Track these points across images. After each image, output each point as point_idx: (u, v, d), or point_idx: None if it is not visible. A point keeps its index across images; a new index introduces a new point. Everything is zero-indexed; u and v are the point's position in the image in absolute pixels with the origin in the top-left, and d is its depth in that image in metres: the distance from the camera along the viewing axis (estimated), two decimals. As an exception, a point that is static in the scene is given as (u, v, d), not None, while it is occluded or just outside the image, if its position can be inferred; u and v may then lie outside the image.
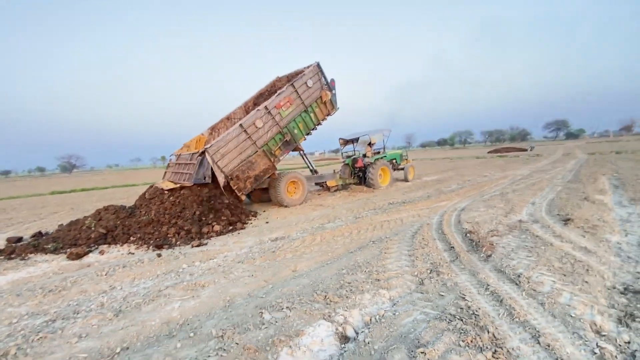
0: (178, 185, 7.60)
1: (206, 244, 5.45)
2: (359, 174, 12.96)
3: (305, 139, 10.06)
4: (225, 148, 7.73)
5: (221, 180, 7.59)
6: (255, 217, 7.57)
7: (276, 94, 8.91)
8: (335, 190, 11.59)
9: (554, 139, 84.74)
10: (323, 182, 11.42)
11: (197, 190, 7.33)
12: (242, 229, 6.44)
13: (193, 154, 8.07)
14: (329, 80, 10.26)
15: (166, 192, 7.30)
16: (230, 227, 6.41)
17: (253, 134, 8.27)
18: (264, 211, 8.63)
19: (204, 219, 6.33)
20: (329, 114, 10.42)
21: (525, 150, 35.95)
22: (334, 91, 10.48)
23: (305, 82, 9.56)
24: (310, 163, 11.68)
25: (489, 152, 38.11)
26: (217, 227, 6.12)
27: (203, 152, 7.68)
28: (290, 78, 10.07)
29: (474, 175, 13.97)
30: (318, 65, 9.91)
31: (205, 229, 5.97)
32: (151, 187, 7.66)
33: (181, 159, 8.54)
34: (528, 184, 9.88)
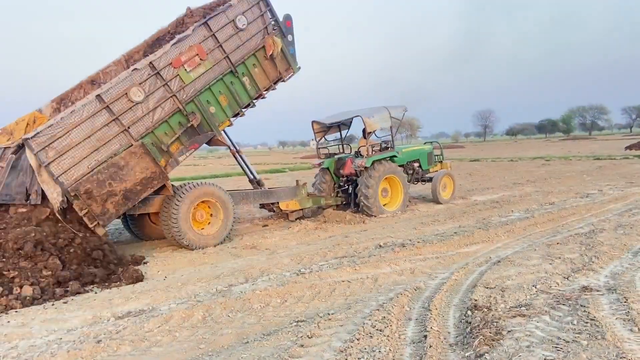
0: None
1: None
2: (345, 188, 12.78)
3: (231, 124, 9.90)
4: (65, 139, 7.49)
5: (55, 199, 7.35)
6: (128, 267, 7.33)
7: (173, 41, 8.77)
8: (298, 218, 11.41)
9: None
10: (274, 204, 11.22)
11: (14, 213, 7.17)
12: (79, 292, 6.21)
13: (5, 148, 7.91)
14: (279, 19, 10.14)
15: None
16: (61, 289, 6.19)
17: (123, 114, 8.06)
18: (152, 256, 8.44)
19: (5, 273, 6.11)
20: (280, 78, 10.32)
21: None
22: (290, 37, 10.38)
23: (233, 21, 9.43)
24: (249, 168, 11.51)
25: (627, 149, 38.02)
26: (27, 290, 5.90)
27: (21, 146, 7.49)
28: (208, 12, 9.95)
29: (568, 193, 13.92)
30: (260, -10, 9.81)
31: (-1, 294, 5.73)
32: None
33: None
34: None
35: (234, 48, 9.49)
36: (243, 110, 9.87)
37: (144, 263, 7.75)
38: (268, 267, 7.07)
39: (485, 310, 4.82)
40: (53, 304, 5.82)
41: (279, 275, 6.55)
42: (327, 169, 12.94)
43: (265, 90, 10.13)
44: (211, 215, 9.40)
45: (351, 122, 13.33)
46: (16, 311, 5.59)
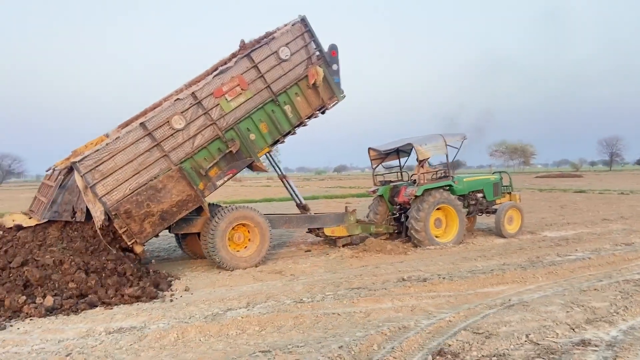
0: (34, 221, 8.35)
1: (3, 327, 5.85)
2: (398, 218, 12.54)
3: (270, 150, 10.21)
4: (110, 163, 8.28)
5: (98, 217, 8.10)
6: (165, 286, 7.80)
7: (215, 72, 9.32)
8: (346, 245, 11.38)
9: None
10: (319, 229, 11.31)
11: (47, 232, 7.97)
12: (95, 305, 6.72)
13: (61, 169, 8.82)
14: (323, 49, 10.35)
15: (5, 231, 8.06)
16: (82, 301, 6.72)
17: (165, 140, 8.72)
18: (184, 275, 8.92)
19: (35, 284, 6.81)
20: (323, 106, 10.46)
21: None
22: (335, 66, 10.53)
23: (276, 52, 9.81)
24: (295, 193, 11.71)
25: None
26: (49, 300, 6.52)
27: (71, 168, 8.35)
28: (256, 44, 10.41)
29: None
30: (303, 22, 10.11)
31: (23, 303, 6.39)
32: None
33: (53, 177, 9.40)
34: None
35: (275, 78, 9.83)
36: (283, 137, 10.13)
37: (169, 281, 8.16)
38: (277, 293, 7.16)
39: (450, 357, 4.55)
40: (67, 315, 6.37)
41: (278, 303, 6.60)
42: (382, 196, 12.81)
43: (307, 118, 10.34)
44: (249, 239, 9.72)
45: (411, 149, 13.09)
46: (31, 319, 6.19)
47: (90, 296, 6.80)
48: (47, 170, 9.91)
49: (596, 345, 4.78)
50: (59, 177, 8.61)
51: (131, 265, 7.84)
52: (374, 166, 13.51)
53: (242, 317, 5.80)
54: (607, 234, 12.39)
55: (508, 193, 13.91)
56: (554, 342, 4.92)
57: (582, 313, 5.86)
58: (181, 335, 5.34)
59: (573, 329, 5.29)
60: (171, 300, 6.98)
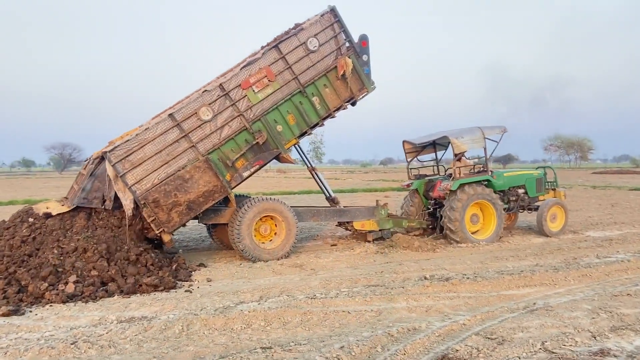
0: (64, 208, 8.62)
1: (23, 313, 6.06)
2: (433, 213, 12.23)
3: (298, 142, 10.11)
4: (140, 153, 8.42)
5: (128, 205, 8.28)
6: (185, 277, 7.85)
7: (242, 64, 9.30)
8: (376, 239, 11.18)
9: None
10: (349, 222, 11.16)
11: (74, 220, 8.20)
12: (114, 293, 6.85)
13: (94, 158, 9.05)
14: (353, 39, 10.13)
15: (42, 217, 8.33)
16: (102, 289, 6.87)
17: (192, 132, 8.79)
18: (208, 265, 9.00)
19: (59, 270, 7.02)
20: (352, 98, 10.26)
21: None
22: (365, 57, 10.30)
23: (304, 43, 9.68)
24: (325, 186, 11.59)
25: None
26: (70, 287, 6.70)
27: (101, 158, 8.55)
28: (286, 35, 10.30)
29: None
30: (333, 12, 9.92)
31: (44, 290, 6.57)
32: (28, 209, 8.84)
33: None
34: None
35: (304, 69, 9.71)
36: (311, 129, 10.00)
37: (190, 272, 8.22)
38: (292, 287, 7.07)
39: (453, 362, 4.33)
40: (85, 302, 6.52)
41: (290, 298, 6.51)
42: (417, 190, 12.51)
43: (335, 110, 10.17)
44: (273, 228, 9.71)
45: (448, 143, 12.70)
46: (51, 305, 6.38)
47: (110, 284, 6.94)
48: (84, 161, 10.22)
49: (615, 356, 4.46)
50: (90, 166, 8.84)
51: (152, 255, 7.95)
52: (408, 159, 13.21)
53: (249, 312, 5.75)
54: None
55: (552, 189, 13.29)
56: (571, 350, 4.62)
57: (608, 320, 5.49)
58: (186, 327, 5.35)
59: (595, 337, 4.95)
60: (188, 292, 7.03)
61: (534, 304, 6.24)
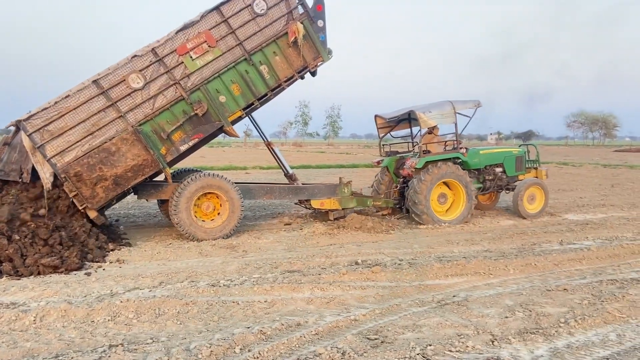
0: None
1: None
2: (403, 191, 11.52)
3: (243, 115, 9.43)
4: (60, 122, 7.85)
5: (46, 179, 7.78)
6: (99, 257, 7.34)
7: (178, 28, 8.59)
8: (338, 218, 10.53)
9: None
10: (308, 201, 10.51)
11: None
12: (14, 274, 6.36)
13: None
14: (306, 3, 9.30)
15: None
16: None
17: (121, 101, 8.18)
18: (134, 245, 8.49)
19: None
20: (305, 67, 9.49)
21: None
22: (320, 23, 9.48)
23: (250, 5, 8.89)
24: (282, 162, 10.93)
25: None
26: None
27: (17, 127, 8.00)
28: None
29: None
30: (282, -29, 9.09)
31: None
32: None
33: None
34: None
35: (250, 34, 8.94)
36: (257, 101, 9.27)
37: (106, 251, 7.71)
38: (203, 272, 6.47)
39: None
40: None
41: (190, 285, 5.92)
42: (387, 168, 11.79)
43: (286, 81, 9.40)
44: (216, 206, 9.12)
45: (413, 117, 11.89)
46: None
47: (4, 264, 6.46)
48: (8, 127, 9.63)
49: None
50: (5, 136, 8.34)
51: (63, 233, 7.37)
52: (381, 135, 12.45)
53: (122, 302, 5.15)
54: (639, 220, 10.71)
55: (535, 168, 12.42)
56: (453, 357, 3.97)
57: (521, 320, 4.81)
58: (40, 318, 4.80)
59: (493, 342, 4.29)
60: (87, 274, 6.51)
61: (454, 296, 5.60)
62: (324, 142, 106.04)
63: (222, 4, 8.75)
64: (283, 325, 4.66)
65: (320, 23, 9.51)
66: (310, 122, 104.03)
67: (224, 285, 5.92)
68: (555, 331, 4.53)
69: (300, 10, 9.34)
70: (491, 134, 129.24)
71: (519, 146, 12.77)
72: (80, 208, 7.99)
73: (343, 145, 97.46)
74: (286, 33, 9.18)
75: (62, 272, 6.57)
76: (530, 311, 5.04)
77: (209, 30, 8.71)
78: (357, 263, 7.01)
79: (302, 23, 9.18)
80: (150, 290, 5.72)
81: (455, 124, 10.90)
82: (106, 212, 10.36)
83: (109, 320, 4.84)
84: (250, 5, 8.92)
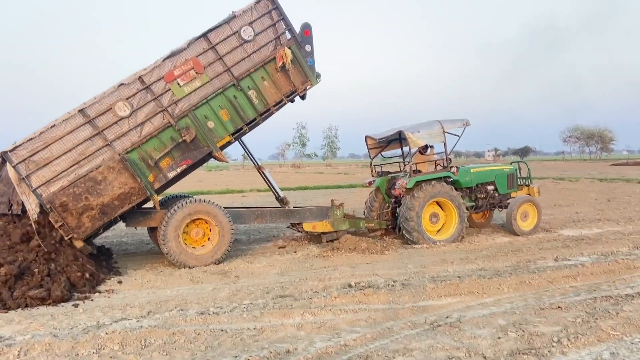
0: None
1: None
2: (395, 212, 11.52)
3: (232, 140, 9.45)
4: (46, 152, 7.82)
5: (32, 210, 7.73)
6: (88, 288, 7.24)
7: (165, 55, 8.65)
8: (331, 241, 10.48)
9: None
10: (299, 224, 10.46)
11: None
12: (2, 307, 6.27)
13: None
14: (294, 28, 9.41)
15: None
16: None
17: (108, 129, 8.19)
18: (126, 273, 8.41)
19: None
20: (294, 91, 9.55)
21: None
22: (308, 47, 9.57)
23: (237, 32, 8.99)
24: (273, 185, 10.93)
25: None
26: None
27: (2, 159, 7.98)
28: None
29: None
30: (271, -3, 9.21)
31: None
32: None
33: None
34: None
35: (237, 60, 9.02)
36: (247, 126, 9.29)
37: (95, 281, 7.60)
38: (193, 300, 6.40)
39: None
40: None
41: (179, 313, 5.84)
42: (379, 188, 11.81)
43: (275, 105, 9.44)
44: (205, 232, 9.05)
45: (403, 137, 11.95)
46: None
47: (-8, 294, 6.39)
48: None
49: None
50: (-3, 168, 8.33)
51: (51, 265, 7.25)
52: (372, 156, 12.51)
53: (107, 334, 5.07)
54: (635, 234, 10.69)
55: (526, 185, 12.45)
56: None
57: (514, 341, 4.76)
58: (24, 352, 4.71)
59: None
60: (75, 306, 6.42)
61: (447, 317, 5.54)
62: (323, 163, 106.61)
63: (209, 31, 8.85)
64: (272, 353, 4.60)
65: (307, 48, 9.61)
66: (308, 143, 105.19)
67: (213, 313, 5.85)
68: (548, 351, 4.48)
69: (288, 35, 9.46)
70: (488, 150, 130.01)
71: (510, 163, 12.83)
72: (66, 238, 7.92)
73: (341, 165, 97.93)
74: (274, 58, 9.26)
75: (49, 304, 6.48)
76: (523, 331, 4.99)
77: (197, 57, 8.78)
78: (350, 285, 6.96)
79: (289, 48, 9.27)
80: (137, 321, 5.64)
81: (445, 143, 10.95)
82: (97, 240, 10.37)
83: (93, 353, 4.74)
84: (237, 31, 9.02)
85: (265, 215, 10.11)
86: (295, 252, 9.78)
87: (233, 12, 9.16)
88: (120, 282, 7.72)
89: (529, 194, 12.10)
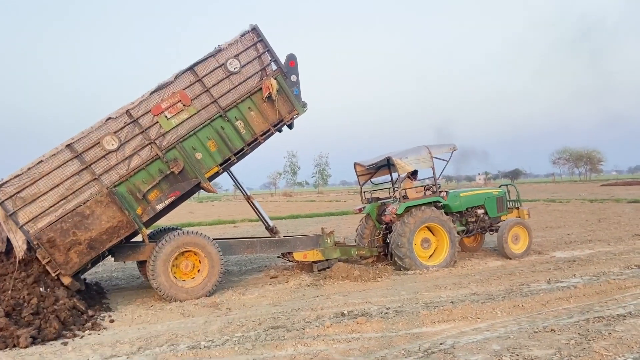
0: None
1: None
2: (386, 238, 11.56)
3: (220, 170, 9.51)
4: (33, 188, 7.83)
5: (19, 247, 7.69)
6: (78, 325, 7.17)
7: (152, 89, 8.76)
8: (323, 269, 10.46)
9: None
10: (290, 253, 10.45)
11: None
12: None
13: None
14: (279, 59, 9.59)
15: None
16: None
17: (95, 163, 8.23)
18: (115, 309, 8.32)
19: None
20: (281, 120, 9.66)
21: None
22: (294, 77, 9.74)
23: (224, 64, 9.14)
24: (262, 215, 10.95)
25: None
26: None
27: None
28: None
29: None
30: (255, 31, 9.39)
31: None
32: None
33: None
34: None
35: (224, 92, 9.13)
36: (235, 156, 9.36)
37: (84, 318, 7.51)
38: (183, 334, 6.32)
39: None
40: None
41: (169, 349, 5.79)
42: (370, 214, 11.86)
43: (262, 135, 9.53)
44: (198, 270, 9.01)
45: (391, 163, 12.08)
46: None
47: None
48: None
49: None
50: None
51: (41, 303, 7.18)
52: (361, 182, 12.60)
53: None
54: (626, 254, 10.80)
55: (516, 208, 12.57)
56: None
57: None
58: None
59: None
60: (64, 344, 6.33)
61: (440, 344, 5.53)
62: (314, 191, 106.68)
63: (195, 64, 8.99)
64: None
65: (293, 78, 9.76)
66: (299, 171, 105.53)
67: (204, 347, 5.80)
68: (544, 374, 4.49)
69: (274, 66, 9.62)
70: (479, 174, 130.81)
71: (499, 187, 12.98)
72: (53, 275, 7.86)
73: (333, 192, 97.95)
74: (260, 89, 9.41)
75: (39, 342, 6.39)
76: (517, 355, 5.00)
77: (184, 89, 8.89)
78: (342, 314, 6.93)
79: (275, 79, 9.42)
80: (127, 357, 5.59)
81: (433, 168, 11.08)
82: (87, 275, 10.27)
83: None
84: (224, 64, 9.17)
85: (255, 246, 10.11)
86: (287, 281, 9.73)
87: (219, 45, 9.32)
88: (111, 318, 7.63)
89: (519, 217, 12.21)
